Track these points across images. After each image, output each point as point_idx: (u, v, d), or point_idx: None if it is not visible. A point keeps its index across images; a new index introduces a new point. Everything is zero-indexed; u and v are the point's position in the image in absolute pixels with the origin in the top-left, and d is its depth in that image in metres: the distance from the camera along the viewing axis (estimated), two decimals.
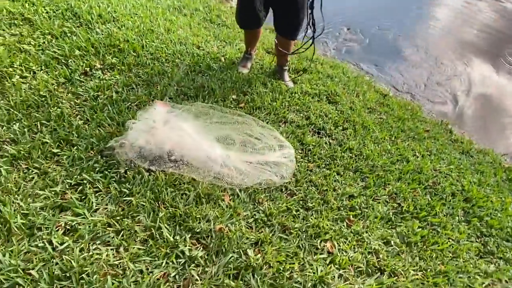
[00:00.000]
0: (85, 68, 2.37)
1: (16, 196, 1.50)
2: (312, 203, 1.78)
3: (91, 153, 1.80)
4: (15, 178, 1.57)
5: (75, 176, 1.64)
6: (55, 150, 1.75)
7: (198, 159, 1.82)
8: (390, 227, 1.79)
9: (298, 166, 1.99)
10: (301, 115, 2.44)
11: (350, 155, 2.18)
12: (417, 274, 1.59)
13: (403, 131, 2.58)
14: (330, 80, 2.98)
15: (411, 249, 1.70)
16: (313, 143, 2.18)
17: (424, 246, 1.72)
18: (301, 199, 1.80)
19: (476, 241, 1.92)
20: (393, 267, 1.58)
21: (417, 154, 2.38)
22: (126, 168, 1.74)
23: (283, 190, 1.84)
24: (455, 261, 1.73)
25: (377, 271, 1.57)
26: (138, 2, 3.55)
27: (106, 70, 2.43)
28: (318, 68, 3.10)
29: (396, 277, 1.55)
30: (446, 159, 2.43)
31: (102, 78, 2.33)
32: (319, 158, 2.09)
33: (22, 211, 1.45)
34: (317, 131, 2.33)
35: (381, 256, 1.62)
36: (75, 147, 1.80)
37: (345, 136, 2.33)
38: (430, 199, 2.01)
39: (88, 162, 1.74)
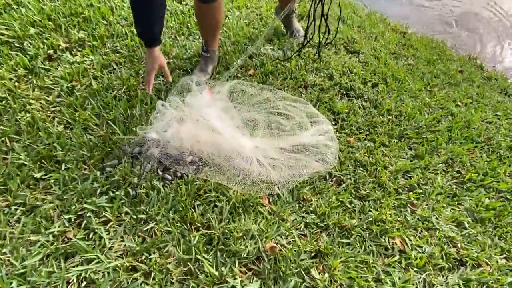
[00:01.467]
0: (48, 51, 1.86)
1: (3, 251, 1.14)
2: (365, 190, 1.49)
3: (85, 169, 1.41)
4: None
5: (73, 207, 1.27)
6: (37, 174, 1.35)
7: (223, 156, 1.46)
8: (457, 203, 1.53)
9: (338, 142, 1.66)
10: (322, 74, 2.05)
11: (390, 118, 1.85)
12: (501, 259, 1.38)
13: (436, 76, 2.24)
14: (343, 23, 2.53)
15: (485, 228, 1.47)
16: (346, 110, 1.83)
17: (500, 222, 1.49)
18: (352, 186, 1.50)
19: None
20: (474, 255, 1.34)
21: (459, 103, 2.07)
22: (137, 183, 1.37)
23: (327, 178, 1.53)
24: None
25: (457, 263, 1.34)
26: None
27: (74, 50, 1.93)
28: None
29: (480, 267, 1.32)
30: (489, 104, 2.14)
31: (73, 62, 1.84)
32: (357, 129, 1.76)
33: (16, 272, 1.10)
34: (345, 92, 1.96)
35: (458, 244, 1.38)
36: (62, 165, 1.40)
37: (378, 94, 1.98)
38: (488, 160, 1.75)
39: (84, 182, 1.36)
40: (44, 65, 1.79)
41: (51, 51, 1.87)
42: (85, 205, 1.27)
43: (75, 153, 1.44)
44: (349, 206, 1.44)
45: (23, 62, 1.76)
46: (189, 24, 2.25)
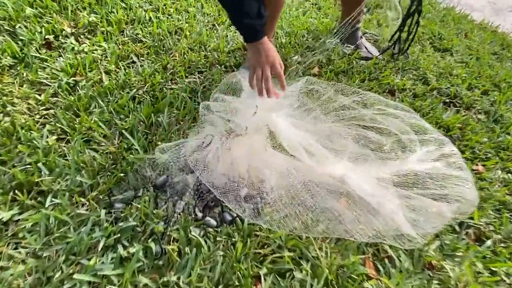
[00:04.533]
0: (47, 36, 1.38)
1: None
2: None
3: (82, 205, 0.89)
4: None
5: (56, 275, 0.74)
6: (5, 214, 0.83)
7: (299, 189, 0.93)
8: None
9: None
10: (411, 76, 1.51)
11: None
12: None
13: None
14: (423, 18, 2.00)
15: None
16: (458, 124, 1.28)
17: None
18: (503, 244, 0.94)
19: None
20: None
21: None
22: (163, 231, 0.85)
23: (458, 229, 0.97)
24: None
25: None
26: None
27: (82, 36, 1.44)
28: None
29: None
30: None
31: (79, 50, 1.36)
32: (483, 153, 1.20)
33: None
34: (448, 101, 1.42)
35: None
36: (48, 198, 0.88)
37: (494, 104, 1.43)
38: None
39: (79, 228, 0.83)
40: (39, 53, 1.31)
41: (51, 37, 1.39)
42: (76, 275, 0.74)
43: (69, 179, 0.92)
44: (506, 280, 0.87)
45: (11, 48, 1.28)
46: None
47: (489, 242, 0.94)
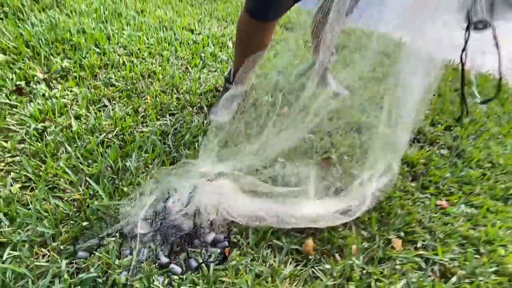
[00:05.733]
0: (17, 82, 1.39)
1: None
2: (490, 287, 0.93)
3: (43, 256, 0.86)
4: None
5: None
6: None
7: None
8: None
9: (422, 207, 1.13)
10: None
11: (482, 171, 1.35)
12: None
13: None
14: (386, 57, 2.11)
15: None
16: (422, 160, 1.33)
17: None
18: (468, 281, 0.95)
19: None
20: None
21: None
22: (125, 282, 0.82)
23: (425, 266, 0.98)
24: None
25: None
26: None
27: (54, 81, 1.46)
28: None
29: None
30: None
31: (50, 96, 1.37)
32: (445, 187, 1.24)
33: None
34: (413, 137, 1.47)
35: None
36: (6, 250, 0.85)
37: (456, 139, 1.49)
38: None
39: (38, 282, 0.80)
40: (9, 99, 1.31)
41: (22, 83, 1.40)
42: None
43: (30, 229, 0.90)
44: None
45: None
46: (202, 54, 1.82)
47: (454, 279, 0.95)
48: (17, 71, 1.44)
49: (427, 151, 1.39)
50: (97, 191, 1.01)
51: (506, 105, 1.88)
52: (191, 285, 0.85)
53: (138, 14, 2.07)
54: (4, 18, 1.77)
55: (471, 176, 1.29)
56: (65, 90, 1.41)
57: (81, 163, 1.11)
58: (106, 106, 1.40)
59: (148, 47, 1.81)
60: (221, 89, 1.56)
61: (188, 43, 1.91)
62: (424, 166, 1.31)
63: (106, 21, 1.91)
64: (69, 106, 1.34)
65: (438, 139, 1.47)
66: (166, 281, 0.85)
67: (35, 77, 1.45)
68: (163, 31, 1.95)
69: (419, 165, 1.30)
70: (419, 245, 1.04)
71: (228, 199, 0.95)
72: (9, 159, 1.10)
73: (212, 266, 0.89)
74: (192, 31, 2.06)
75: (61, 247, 0.89)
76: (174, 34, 1.94)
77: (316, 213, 0.96)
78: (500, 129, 1.63)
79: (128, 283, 0.83)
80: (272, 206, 0.95)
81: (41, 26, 1.75)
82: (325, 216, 0.96)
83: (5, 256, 0.84)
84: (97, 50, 1.67)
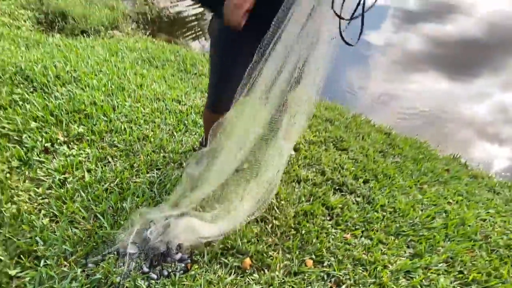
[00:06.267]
0: (45, 144, 1.89)
1: None
2: None
3: (65, 266, 1.30)
4: None
5: None
6: (12, 271, 1.24)
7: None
8: None
9: (332, 239, 1.60)
10: (314, 169, 2.09)
11: (384, 214, 1.84)
12: None
13: (424, 174, 2.30)
14: (330, 124, 2.69)
15: None
16: (340, 205, 1.82)
17: None
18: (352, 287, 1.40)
19: None
20: None
21: (450, 201, 2.09)
22: (119, 282, 1.26)
23: (325, 278, 1.43)
24: None
25: None
26: (101, 57, 3.14)
27: (72, 143, 1.97)
28: (315, 112, 2.82)
29: None
30: (479, 202, 2.16)
31: (69, 154, 1.86)
32: (353, 225, 1.72)
33: None
34: (337, 187, 1.98)
35: None
36: (41, 261, 1.30)
37: (370, 190, 2.00)
38: (488, 259, 1.69)
39: (62, 281, 1.24)
40: (39, 157, 1.81)
41: (48, 144, 1.90)
42: None
43: (57, 248, 1.35)
44: None
45: (18, 154, 1.77)
46: (186, 121, 2.36)
47: (343, 287, 1.40)
48: (44, 135, 1.95)
49: (345, 199, 1.88)
50: (103, 223, 1.48)
51: (419, 163, 2.42)
52: (164, 285, 1.29)
53: (137, 87, 2.64)
54: (34, 92, 2.32)
55: (374, 217, 1.78)
56: (80, 150, 1.91)
57: (91, 204, 1.58)
58: (109, 162, 1.89)
59: (144, 115, 2.35)
60: (197, 149, 2.07)
61: (176, 112, 2.46)
62: (340, 209, 1.79)
63: (112, 94, 2.47)
64: (83, 162, 1.83)
65: (357, 190, 1.97)
66: (146, 284, 1.29)
67: (58, 140, 1.95)
68: (156, 102, 2.51)
69: (337, 208, 1.79)
70: (325, 264, 1.49)
71: (187, 229, 1.41)
72: (41, 200, 1.57)
73: (178, 274, 1.33)
74: (179, 102, 2.62)
75: (77, 260, 1.33)
76: (165, 105, 2.50)
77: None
78: (408, 182, 2.15)
79: (121, 283, 1.27)
80: (211, 226, 1.41)
81: (62, 98, 2.29)
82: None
83: (41, 264, 1.28)
84: (105, 118, 2.20)
